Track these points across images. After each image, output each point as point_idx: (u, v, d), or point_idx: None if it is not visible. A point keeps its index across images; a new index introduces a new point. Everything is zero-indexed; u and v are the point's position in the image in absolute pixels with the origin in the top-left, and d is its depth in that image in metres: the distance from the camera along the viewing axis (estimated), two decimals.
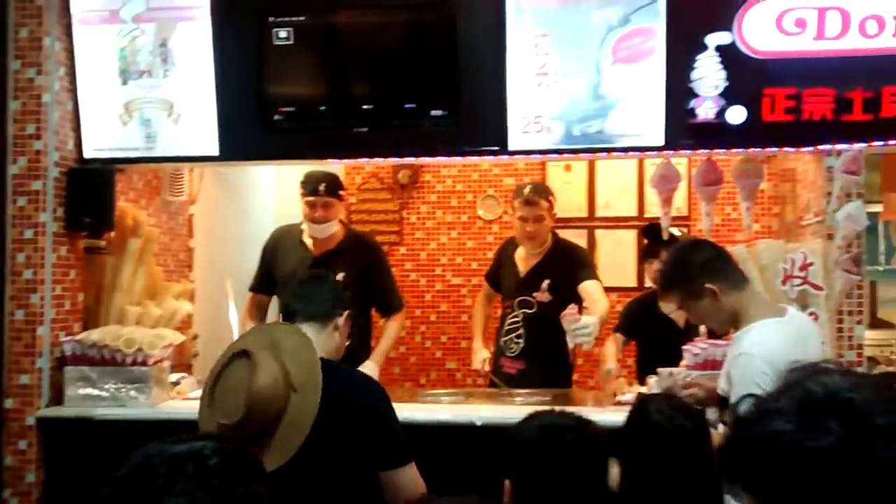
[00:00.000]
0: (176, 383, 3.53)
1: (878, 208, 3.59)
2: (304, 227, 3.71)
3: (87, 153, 3.53)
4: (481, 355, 3.89)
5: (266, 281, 3.78)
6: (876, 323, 4.33)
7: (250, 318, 3.77)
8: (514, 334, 3.85)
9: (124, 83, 3.49)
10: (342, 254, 3.67)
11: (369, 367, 3.45)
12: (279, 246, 3.79)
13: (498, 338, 3.95)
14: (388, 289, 3.79)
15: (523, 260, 3.87)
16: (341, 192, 3.70)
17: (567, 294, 3.66)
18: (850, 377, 0.94)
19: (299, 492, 2.18)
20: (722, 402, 2.44)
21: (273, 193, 5.21)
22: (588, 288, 3.67)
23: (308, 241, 3.70)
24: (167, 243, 4.29)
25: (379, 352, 3.65)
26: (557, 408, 1.90)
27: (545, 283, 3.75)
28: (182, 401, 3.44)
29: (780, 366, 2.28)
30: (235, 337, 3.78)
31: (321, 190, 3.57)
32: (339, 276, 3.55)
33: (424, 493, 2.31)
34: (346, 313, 2.47)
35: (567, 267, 3.77)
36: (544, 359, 3.76)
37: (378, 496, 2.27)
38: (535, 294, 3.78)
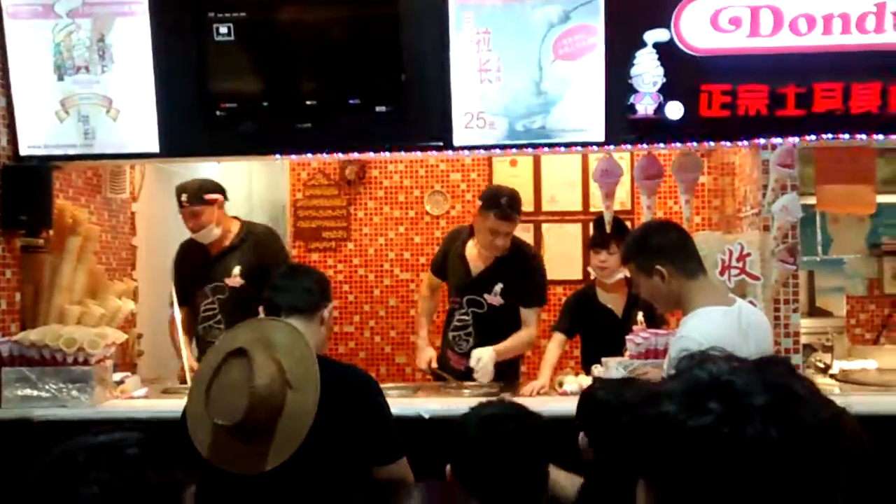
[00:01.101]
0: (120, 382, 3.48)
1: (813, 200, 3.70)
2: None
3: (23, 150, 3.45)
4: (427, 354, 3.90)
5: (184, 293, 3.86)
6: (814, 311, 4.46)
7: (185, 332, 3.82)
8: (463, 332, 3.86)
9: (60, 79, 3.42)
10: (235, 249, 3.85)
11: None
12: (185, 255, 3.94)
13: (445, 332, 3.96)
14: None
15: (475, 259, 3.83)
16: (208, 196, 3.78)
17: (515, 298, 3.76)
18: (732, 363, 0.97)
19: (296, 489, 2.18)
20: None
21: None
22: (525, 316, 3.79)
23: (208, 245, 3.86)
24: (109, 241, 4.22)
25: None
26: (503, 398, 1.97)
27: (498, 287, 3.76)
28: (126, 400, 3.39)
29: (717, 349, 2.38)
30: (179, 338, 3.77)
31: (184, 201, 3.74)
32: (236, 270, 3.78)
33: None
34: (330, 305, 2.46)
35: (520, 273, 3.78)
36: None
37: (372, 490, 2.30)
38: (485, 295, 3.78)
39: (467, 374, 3.76)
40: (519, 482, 1.76)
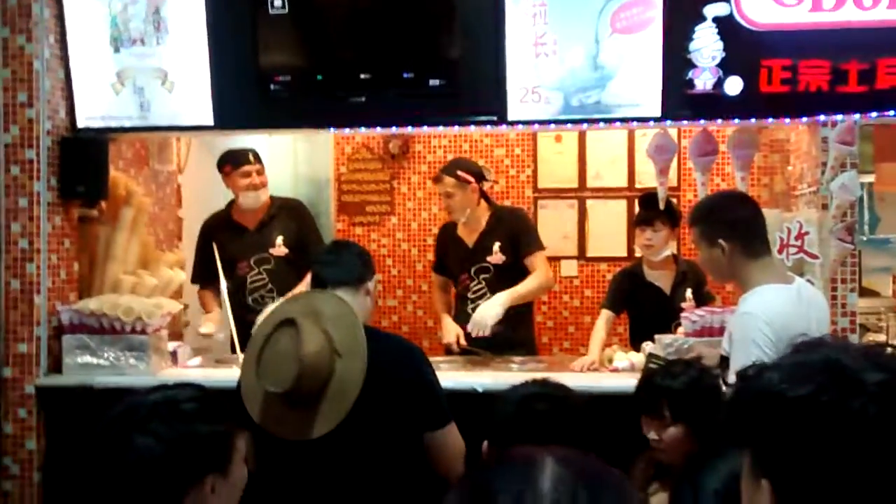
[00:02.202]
0: (173, 352, 3.53)
1: (870, 178, 3.64)
2: (240, 201, 3.87)
3: (80, 122, 3.49)
4: (454, 329, 3.91)
5: (207, 272, 3.86)
6: (861, 291, 4.40)
7: (216, 305, 3.86)
8: (481, 299, 3.86)
9: (116, 51, 3.44)
10: (275, 220, 3.91)
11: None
12: (214, 234, 3.91)
13: (463, 309, 3.94)
14: (317, 244, 3.87)
15: (467, 233, 3.96)
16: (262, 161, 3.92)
17: (515, 252, 3.86)
18: (846, 346, 0.98)
19: (347, 454, 2.23)
20: (723, 362, 2.51)
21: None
22: (533, 262, 3.85)
23: (239, 219, 3.91)
24: (156, 213, 4.26)
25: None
26: (544, 376, 1.95)
27: (496, 246, 3.85)
28: (182, 369, 3.44)
29: (780, 328, 2.38)
30: (229, 311, 3.76)
31: (251, 158, 3.81)
32: (279, 240, 3.85)
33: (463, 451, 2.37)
34: (375, 278, 2.53)
35: (511, 229, 3.91)
36: (512, 317, 3.78)
37: (422, 457, 2.33)
38: (488, 258, 3.87)
39: (495, 340, 3.75)
40: None
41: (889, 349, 1.00)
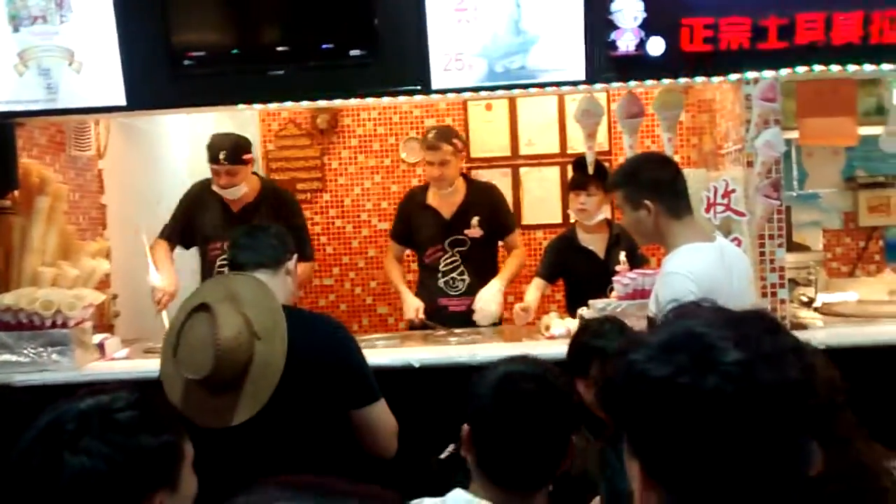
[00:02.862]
0: (100, 345, 3.41)
1: (794, 134, 3.68)
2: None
3: None
4: (415, 302, 3.90)
5: (180, 232, 3.92)
6: (792, 246, 4.47)
7: (157, 254, 3.85)
8: (455, 273, 3.92)
9: (15, 30, 3.27)
10: (260, 207, 3.82)
11: None
12: (198, 201, 3.89)
13: (432, 282, 3.95)
14: (303, 240, 3.80)
15: (443, 204, 3.93)
16: (245, 157, 3.78)
17: (494, 227, 3.93)
18: (715, 315, 0.97)
19: (273, 438, 2.19)
20: (651, 322, 2.51)
21: (186, 143, 5.02)
22: (514, 239, 4.02)
23: (224, 197, 3.82)
24: (77, 201, 4.09)
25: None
26: (523, 355, 1.80)
27: (475, 220, 3.89)
28: (108, 362, 3.33)
29: (705, 285, 2.40)
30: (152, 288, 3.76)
31: (221, 159, 3.69)
32: None
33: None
34: (294, 256, 2.49)
35: (491, 204, 3.98)
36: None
37: (350, 435, 2.27)
38: (466, 231, 3.89)
39: (468, 316, 3.78)
40: (538, 450, 1.61)
41: (765, 314, 0.99)
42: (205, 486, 2.20)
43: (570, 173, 4.06)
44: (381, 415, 2.32)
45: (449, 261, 3.92)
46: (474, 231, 3.89)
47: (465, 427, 1.66)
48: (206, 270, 3.90)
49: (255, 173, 3.97)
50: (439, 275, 3.93)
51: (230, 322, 2.10)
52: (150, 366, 3.23)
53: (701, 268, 2.42)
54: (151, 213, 4.54)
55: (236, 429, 2.13)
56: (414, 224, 4.02)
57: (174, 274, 3.87)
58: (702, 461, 0.89)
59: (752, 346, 0.91)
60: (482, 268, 3.92)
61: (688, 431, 0.89)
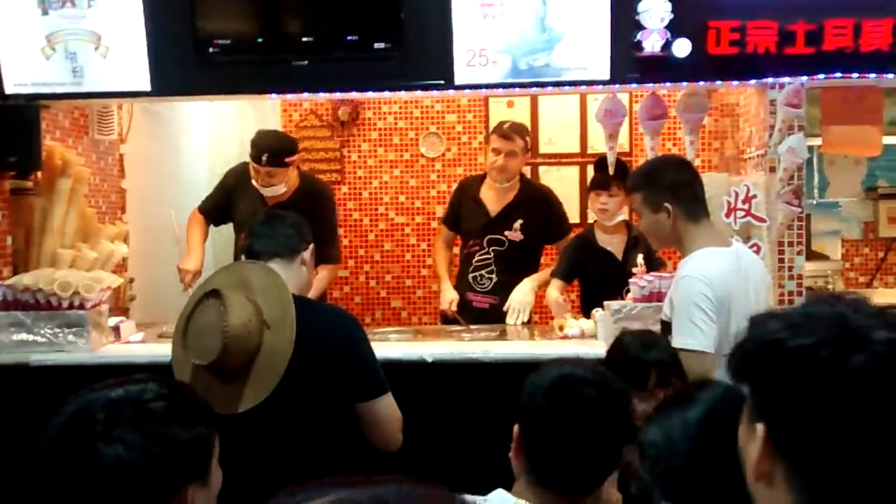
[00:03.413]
0: (116, 328, 3.43)
1: (817, 141, 3.65)
2: None
3: (9, 88, 3.33)
4: (451, 295, 3.93)
5: (218, 211, 3.93)
6: (810, 255, 4.45)
7: (192, 232, 3.88)
8: (484, 269, 3.93)
9: (45, 13, 3.28)
10: (294, 205, 3.73)
11: None
12: (238, 185, 3.87)
13: (464, 275, 3.96)
14: (330, 241, 3.82)
15: (493, 199, 3.94)
16: (288, 159, 3.72)
17: (540, 233, 3.90)
18: (858, 304, 0.95)
19: (278, 427, 2.20)
20: (665, 326, 2.51)
21: (207, 130, 5.04)
22: (561, 245, 3.96)
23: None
24: (97, 184, 4.12)
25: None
26: (576, 357, 1.73)
27: (518, 223, 3.87)
28: (123, 344, 3.35)
29: (720, 290, 2.39)
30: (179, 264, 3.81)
31: (263, 160, 3.64)
32: None
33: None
34: (310, 247, 2.47)
35: (541, 210, 3.94)
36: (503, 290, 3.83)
37: (356, 428, 2.27)
38: (506, 233, 3.89)
39: (490, 313, 3.78)
40: (592, 456, 1.57)
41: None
42: None
43: (590, 173, 4.04)
44: (387, 409, 2.31)
45: (482, 257, 3.93)
46: (514, 234, 3.88)
47: (516, 428, 1.61)
48: (237, 257, 3.88)
49: (297, 168, 3.93)
50: (470, 269, 3.94)
51: (239, 310, 2.11)
52: (164, 350, 3.21)
53: (716, 272, 2.41)
54: (170, 199, 4.56)
55: (242, 416, 2.13)
56: (462, 213, 4.03)
57: (201, 254, 3.87)
58: (835, 440, 0.88)
59: None
60: (515, 271, 3.87)
61: (823, 404, 0.88)
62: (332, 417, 2.26)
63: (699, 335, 2.34)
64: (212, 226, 4.04)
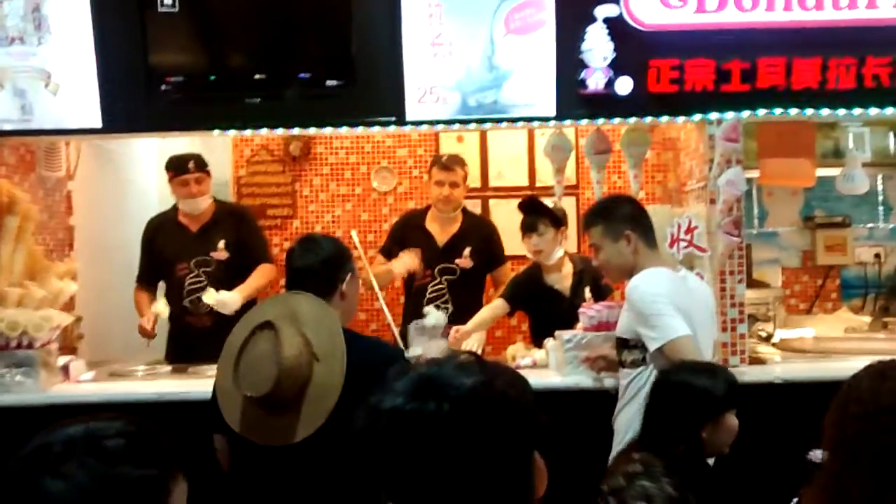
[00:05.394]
0: (65, 367, 3.38)
1: (755, 174, 3.80)
2: (179, 206, 4.01)
3: None
4: (406, 258, 3.95)
5: (150, 271, 4.09)
6: (752, 283, 4.58)
7: (142, 304, 4.01)
8: (440, 300, 3.98)
9: None
10: (218, 224, 4.01)
11: (229, 296, 3.71)
12: (157, 234, 4.07)
13: (417, 307, 3.96)
14: (261, 248, 4.10)
15: (439, 230, 4.05)
16: (207, 168, 3.99)
17: (484, 260, 4.03)
18: (444, 363, 1.12)
19: (326, 460, 2.18)
20: (622, 343, 2.62)
21: (157, 165, 5.01)
22: (502, 273, 4.13)
23: (183, 221, 4.01)
24: (45, 221, 4.07)
25: (244, 286, 3.87)
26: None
27: (467, 251, 3.97)
28: (73, 384, 3.30)
29: (674, 297, 2.52)
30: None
31: (191, 167, 3.88)
32: (221, 244, 3.95)
33: None
34: (347, 277, 2.43)
35: (485, 238, 4.10)
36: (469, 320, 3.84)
37: None
38: (457, 261, 3.98)
39: None
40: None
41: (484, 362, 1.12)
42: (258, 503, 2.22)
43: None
44: None
45: (436, 287, 3.99)
46: (465, 261, 3.96)
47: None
48: (175, 292, 3.98)
49: None
50: (425, 300, 3.96)
51: (292, 341, 2.12)
52: (115, 389, 3.23)
53: (663, 282, 2.58)
54: (119, 235, 4.53)
55: (291, 448, 2.14)
56: (407, 245, 4.04)
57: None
58: (437, 482, 1.04)
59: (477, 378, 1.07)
60: (467, 299, 3.97)
61: (416, 454, 1.04)
62: None
63: (676, 323, 2.46)
64: (159, 285, 4.13)
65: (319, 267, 2.41)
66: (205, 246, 3.96)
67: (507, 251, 4.99)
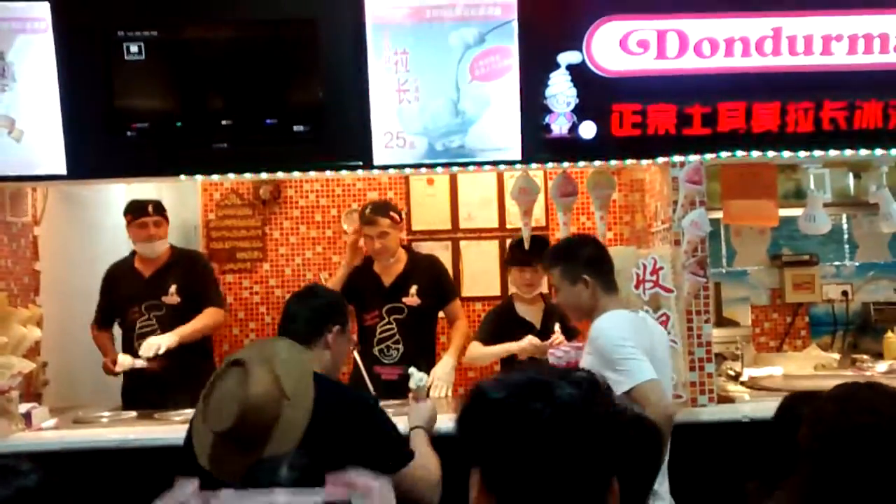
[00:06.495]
0: (27, 414, 3.32)
1: (719, 214, 3.85)
2: (137, 250, 4.07)
3: None
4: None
5: (106, 314, 4.13)
6: (721, 321, 4.62)
7: (101, 342, 4.08)
8: (390, 341, 3.98)
9: None
10: (171, 269, 4.06)
11: (164, 337, 3.78)
12: (113, 279, 4.13)
13: (367, 349, 3.96)
14: (212, 292, 4.13)
15: (385, 271, 4.06)
16: (166, 213, 4.08)
17: (434, 297, 4.03)
18: (546, 370, 1.22)
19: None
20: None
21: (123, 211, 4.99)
22: (454, 309, 4.14)
23: (138, 266, 4.07)
24: (10, 267, 4.03)
25: (184, 327, 3.89)
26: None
27: (413, 289, 3.98)
28: (34, 432, 3.24)
29: (636, 337, 2.56)
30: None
31: (150, 210, 3.97)
32: (172, 289, 3.98)
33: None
34: (335, 328, 2.48)
35: (432, 274, 4.11)
36: (422, 359, 3.83)
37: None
38: (404, 299, 3.98)
39: (399, 385, 3.74)
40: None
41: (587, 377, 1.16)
42: None
43: (508, 250, 4.17)
44: (414, 474, 2.33)
45: (385, 328, 3.98)
46: (412, 300, 3.97)
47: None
48: (128, 335, 4.04)
49: None
50: (375, 341, 3.96)
51: (260, 379, 2.13)
52: (77, 436, 3.17)
53: (623, 324, 2.61)
54: (86, 280, 4.48)
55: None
56: (357, 286, 4.06)
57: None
58: (523, 472, 1.10)
59: (581, 387, 1.14)
60: (418, 338, 3.98)
61: (512, 444, 1.09)
62: None
63: (643, 367, 2.49)
64: (115, 327, 4.18)
65: (309, 312, 2.49)
66: (157, 290, 3.99)
67: (478, 292, 5.05)
